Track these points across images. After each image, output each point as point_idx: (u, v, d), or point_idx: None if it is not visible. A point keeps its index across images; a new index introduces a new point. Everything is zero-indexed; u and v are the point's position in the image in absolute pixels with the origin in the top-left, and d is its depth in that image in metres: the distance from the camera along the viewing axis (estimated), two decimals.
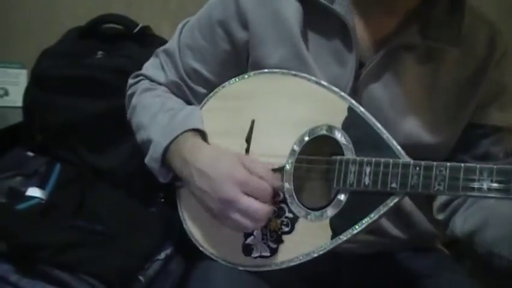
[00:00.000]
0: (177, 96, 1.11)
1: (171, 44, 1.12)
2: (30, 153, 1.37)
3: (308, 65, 0.98)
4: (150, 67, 1.16)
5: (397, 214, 1.05)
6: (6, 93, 1.70)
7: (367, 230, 0.88)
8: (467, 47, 0.99)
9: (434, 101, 1.00)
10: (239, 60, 1.05)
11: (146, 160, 1.02)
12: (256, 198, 0.87)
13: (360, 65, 0.97)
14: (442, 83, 0.99)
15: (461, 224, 1.00)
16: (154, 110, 1.05)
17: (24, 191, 1.23)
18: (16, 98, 1.64)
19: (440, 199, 1.05)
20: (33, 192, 1.23)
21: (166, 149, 0.98)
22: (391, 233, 1.06)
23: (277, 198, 0.93)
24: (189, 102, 1.10)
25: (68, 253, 1.08)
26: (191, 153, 0.95)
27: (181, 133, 0.98)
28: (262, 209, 0.87)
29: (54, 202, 1.23)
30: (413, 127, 0.98)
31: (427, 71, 0.99)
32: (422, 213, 1.08)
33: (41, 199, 1.22)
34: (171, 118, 1.02)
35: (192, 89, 1.09)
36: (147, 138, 1.03)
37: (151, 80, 1.14)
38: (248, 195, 0.87)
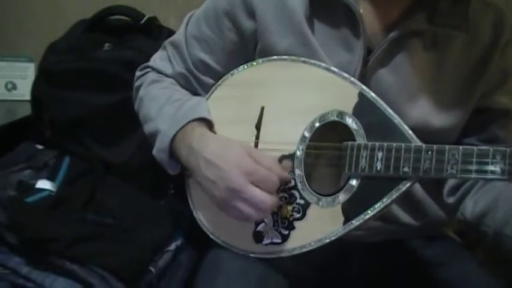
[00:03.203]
0: (184, 88, 1.11)
1: (178, 36, 1.12)
2: (39, 146, 1.37)
3: (316, 51, 0.98)
4: (158, 59, 1.16)
5: (408, 201, 1.04)
6: (14, 87, 1.71)
7: (378, 216, 0.87)
8: (474, 32, 0.99)
9: (442, 85, 1.00)
10: (246, 50, 1.05)
11: (154, 151, 1.02)
12: (262, 189, 0.86)
13: (368, 52, 0.97)
14: (449, 67, 0.99)
15: (471, 206, 1.00)
16: (161, 101, 1.05)
17: (34, 184, 1.23)
18: (24, 91, 1.65)
19: (451, 182, 1.05)
20: (43, 184, 1.23)
21: (173, 139, 0.98)
22: (402, 220, 1.06)
23: (288, 185, 0.93)
24: (196, 94, 1.10)
25: (79, 246, 1.08)
26: (198, 143, 0.95)
27: (188, 122, 0.98)
28: (268, 199, 0.86)
29: (64, 195, 1.23)
30: (422, 112, 0.98)
31: (434, 56, 0.99)
32: (433, 200, 1.08)
33: (51, 191, 1.22)
34: (177, 109, 1.02)
35: (200, 80, 1.09)
36: (154, 129, 1.03)
37: (159, 72, 1.14)
38: (255, 185, 0.87)
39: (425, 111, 0.98)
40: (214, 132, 1.01)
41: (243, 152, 0.90)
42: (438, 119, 0.99)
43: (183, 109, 1.01)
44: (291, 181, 0.93)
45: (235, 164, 0.88)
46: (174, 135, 0.98)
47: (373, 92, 0.91)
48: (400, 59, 0.97)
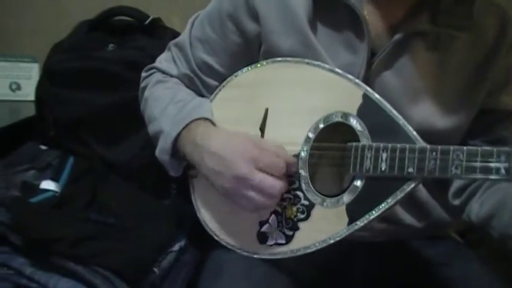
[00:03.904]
0: (189, 88, 1.11)
1: (183, 38, 1.12)
2: (43, 147, 1.37)
3: (319, 53, 0.98)
4: (163, 60, 1.16)
5: (412, 203, 1.05)
6: (19, 87, 1.71)
7: (382, 218, 0.88)
8: (478, 32, 0.99)
9: (446, 86, 1.00)
10: (250, 52, 1.05)
11: (157, 152, 1.02)
12: (269, 174, 0.87)
13: (371, 54, 0.97)
14: (453, 68, 0.99)
15: (477, 208, 1.00)
16: (164, 101, 1.05)
17: (38, 184, 1.23)
18: (28, 92, 1.66)
19: (456, 184, 1.04)
20: (47, 185, 1.23)
21: (176, 139, 0.98)
22: (406, 221, 1.06)
23: (292, 186, 0.93)
24: (200, 95, 1.10)
25: (82, 246, 1.08)
26: (202, 138, 0.95)
27: (191, 121, 0.98)
28: (276, 183, 0.87)
29: (68, 195, 1.23)
30: (426, 113, 0.98)
31: (438, 57, 0.99)
32: (436, 201, 1.08)
33: (55, 192, 1.22)
34: (180, 109, 1.02)
35: (204, 82, 1.09)
36: (157, 129, 1.03)
37: (164, 73, 1.14)
38: (262, 171, 0.87)
39: (429, 113, 0.98)
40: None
41: (247, 140, 0.91)
42: (442, 120, 0.99)
43: (185, 109, 1.01)
44: (295, 182, 0.93)
45: (239, 152, 0.89)
46: (177, 136, 0.98)
47: (377, 93, 0.90)
48: (404, 60, 0.97)
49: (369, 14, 0.97)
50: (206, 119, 1.00)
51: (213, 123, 1.01)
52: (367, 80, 0.96)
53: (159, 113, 1.05)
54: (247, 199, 0.88)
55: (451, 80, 0.99)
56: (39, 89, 1.46)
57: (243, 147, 0.90)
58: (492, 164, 0.77)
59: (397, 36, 0.95)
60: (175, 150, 1.00)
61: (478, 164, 0.78)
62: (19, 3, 1.76)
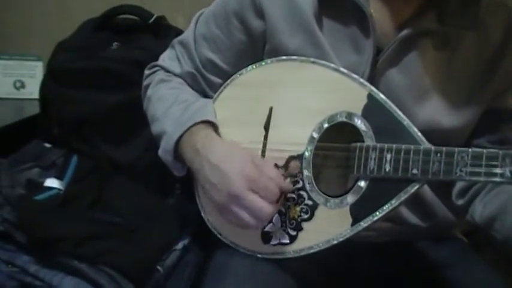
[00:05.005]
0: (192, 87, 1.11)
1: (187, 35, 1.12)
2: (47, 145, 1.38)
3: (325, 52, 0.97)
4: (167, 58, 1.16)
5: (417, 203, 1.04)
6: (23, 86, 1.72)
7: (387, 218, 0.88)
8: (485, 32, 0.99)
9: (452, 86, 0.99)
10: (255, 50, 1.04)
11: (159, 152, 1.02)
12: (262, 197, 0.86)
13: (377, 51, 0.97)
14: (460, 67, 0.99)
15: (481, 209, 1.00)
16: (168, 102, 1.05)
17: (42, 182, 1.24)
18: (32, 90, 1.65)
19: (460, 184, 1.04)
20: (51, 183, 1.24)
21: (178, 141, 0.98)
22: (411, 221, 1.05)
23: (296, 186, 0.93)
24: (204, 93, 1.10)
25: (87, 245, 1.09)
26: (203, 145, 0.95)
27: (193, 125, 0.98)
28: (266, 209, 0.86)
29: (72, 193, 1.23)
30: (431, 112, 0.98)
31: (445, 56, 0.98)
32: (442, 202, 1.07)
33: (59, 190, 1.23)
34: (184, 110, 1.02)
35: (208, 80, 1.09)
36: (160, 130, 1.03)
37: (167, 71, 1.13)
38: (255, 193, 0.87)
39: (435, 111, 0.98)
40: (220, 134, 1.01)
41: (247, 159, 0.90)
42: (448, 119, 0.99)
43: (188, 111, 1.01)
44: (299, 182, 0.93)
45: (238, 169, 0.88)
46: (179, 138, 0.98)
47: (383, 91, 0.90)
48: (410, 58, 0.97)
49: (375, 12, 0.96)
50: (209, 121, 0.99)
51: (216, 126, 1.01)
52: (373, 77, 0.96)
53: (162, 114, 1.05)
54: (235, 216, 0.88)
55: (458, 78, 0.99)
56: (43, 88, 1.46)
57: (242, 164, 0.89)
58: (497, 168, 0.77)
59: (403, 33, 0.95)
60: (178, 152, 1.00)
61: (482, 167, 0.78)
62: (25, 2, 1.76)
